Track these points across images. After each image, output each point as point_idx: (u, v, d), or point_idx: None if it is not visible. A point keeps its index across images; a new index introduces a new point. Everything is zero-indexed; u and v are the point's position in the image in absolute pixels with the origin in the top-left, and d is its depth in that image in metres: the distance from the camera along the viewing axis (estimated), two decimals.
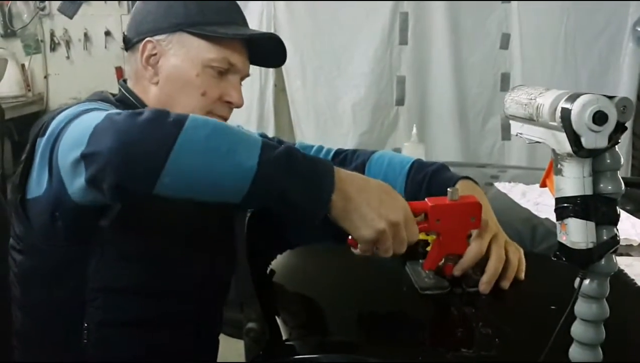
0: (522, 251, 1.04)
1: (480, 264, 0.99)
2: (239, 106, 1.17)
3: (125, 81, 1.19)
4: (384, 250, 0.87)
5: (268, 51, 1.20)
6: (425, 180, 1.21)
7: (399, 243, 0.87)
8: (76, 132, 0.85)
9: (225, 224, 1.22)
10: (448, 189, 0.95)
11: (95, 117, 0.82)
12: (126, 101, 1.13)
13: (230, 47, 1.13)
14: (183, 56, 1.11)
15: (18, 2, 3.62)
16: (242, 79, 1.18)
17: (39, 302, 1.04)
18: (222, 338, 1.51)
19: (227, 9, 1.16)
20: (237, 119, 3.20)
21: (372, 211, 0.84)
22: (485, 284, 0.98)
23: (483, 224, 0.97)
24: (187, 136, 0.76)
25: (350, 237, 0.89)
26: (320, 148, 1.39)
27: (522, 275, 1.02)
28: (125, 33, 1.18)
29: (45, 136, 0.94)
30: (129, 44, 1.16)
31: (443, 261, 0.99)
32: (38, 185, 0.96)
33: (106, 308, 1.02)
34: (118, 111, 0.83)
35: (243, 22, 1.18)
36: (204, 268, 1.13)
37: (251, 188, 0.79)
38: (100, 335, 1.02)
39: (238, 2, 1.21)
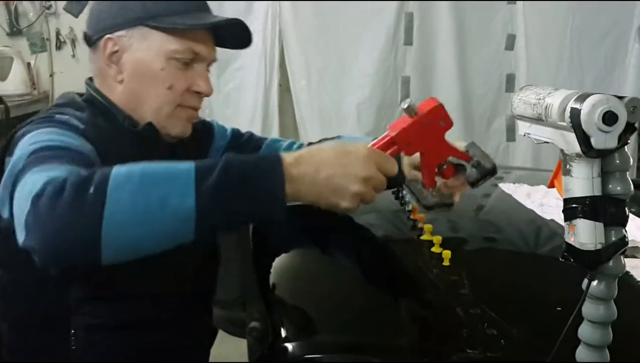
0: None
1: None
2: (208, 94, 1.14)
3: (91, 79, 1.16)
4: (368, 200, 0.85)
5: (233, 33, 1.16)
6: None
7: (380, 187, 0.85)
8: (16, 208, 0.81)
9: None
10: (402, 105, 0.90)
11: (27, 192, 0.78)
12: (94, 101, 1.10)
13: (193, 36, 1.09)
14: (145, 50, 1.08)
15: (24, 1, 3.63)
16: (209, 65, 1.15)
17: (23, 314, 1.03)
18: (225, 337, 1.51)
19: None
20: (242, 119, 3.23)
21: (340, 179, 0.81)
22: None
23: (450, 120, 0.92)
24: (112, 200, 0.73)
25: None
26: (292, 143, 1.39)
27: None
28: (85, 31, 1.14)
29: (10, 163, 0.91)
30: (89, 42, 1.13)
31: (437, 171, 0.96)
32: (3, 207, 0.92)
33: (93, 314, 1.01)
34: (45, 180, 0.78)
35: (203, 5, 1.14)
36: (186, 270, 1.11)
37: (198, 227, 0.76)
38: (88, 340, 1.01)
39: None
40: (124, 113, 1.09)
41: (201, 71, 1.12)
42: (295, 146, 1.38)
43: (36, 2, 3.62)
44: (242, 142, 1.38)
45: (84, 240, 0.73)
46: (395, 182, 1.14)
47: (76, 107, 1.07)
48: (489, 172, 0.96)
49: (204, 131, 1.32)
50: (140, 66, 1.08)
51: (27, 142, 0.91)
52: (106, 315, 1.02)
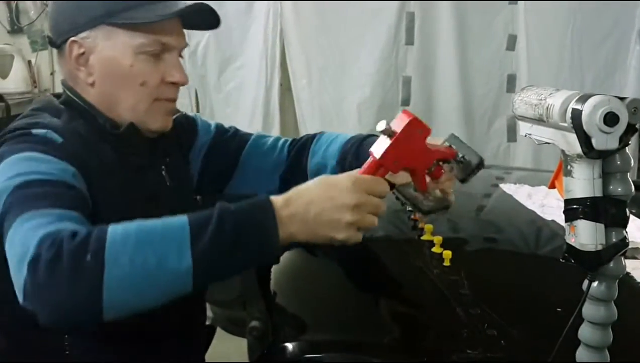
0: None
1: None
2: (183, 83, 1.10)
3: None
4: (367, 227, 0.85)
5: (201, 16, 1.11)
6: (354, 145, 1.20)
7: (376, 210, 0.86)
8: (12, 264, 0.80)
9: None
10: (378, 127, 0.90)
11: (22, 252, 0.78)
12: (72, 103, 1.07)
13: (158, 28, 1.05)
14: (111, 48, 1.04)
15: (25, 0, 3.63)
16: (180, 52, 1.11)
17: (17, 320, 0.98)
18: (226, 336, 1.51)
19: None
20: (243, 118, 3.23)
21: (332, 213, 0.83)
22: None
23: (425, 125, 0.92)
24: (110, 270, 0.74)
25: None
26: (277, 139, 1.36)
27: None
28: (49, 34, 1.11)
29: None
30: (54, 46, 1.09)
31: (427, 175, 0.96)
32: None
33: None
34: (39, 237, 0.78)
35: None
36: None
37: (195, 282, 0.78)
38: (84, 346, 1.00)
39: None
40: (104, 115, 1.07)
41: (173, 60, 1.09)
42: (280, 143, 1.36)
43: (37, 0, 3.63)
44: (227, 138, 1.36)
45: (85, 306, 0.76)
46: None
47: (53, 112, 1.05)
48: (475, 166, 0.96)
49: (187, 125, 1.30)
50: (109, 66, 1.05)
51: (8, 170, 0.90)
52: (99, 324, 1.01)
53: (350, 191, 0.84)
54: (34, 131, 0.97)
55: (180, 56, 1.12)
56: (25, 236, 0.80)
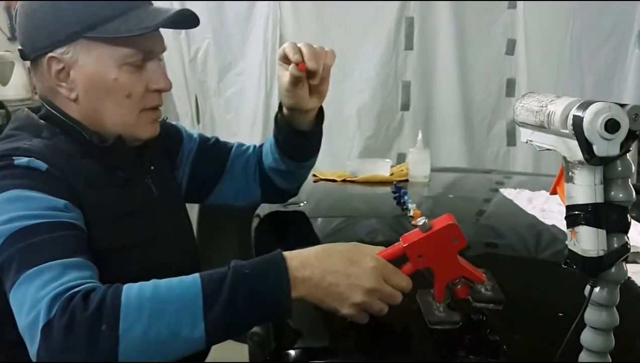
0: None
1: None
2: (167, 89, 1.09)
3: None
4: (377, 312, 0.87)
5: (183, 19, 1.09)
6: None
7: (389, 299, 0.87)
8: (22, 325, 0.81)
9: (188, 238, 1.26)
10: (418, 222, 0.91)
11: (32, 318, 0.78)
12: (53, 118, 1.05)
13: (138, 38, 1.03)
14: (94, 63, 1.02)
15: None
16: (160, 55, 1.11)
17: (18, 340, 1.00)
18: (227, 342, 1.51)
19: None
20: (243, 123, 3.23)
21: (343, 289, 0.84)
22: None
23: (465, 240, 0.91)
24: (125, 342, 0.76)
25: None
26: (254, 147, 1.41)
27: None
28: (20, 47, 1.08)
29: None
30: (26, 59, 1.07)
31: (450, 286, 0.95)
32: None
33: None
34: (49, 298, 0.78)
35: (139, 2, 1.06)
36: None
37: (208, 345, 0.80)
38: None
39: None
40: (89, 129, 1.05)
41: (155, 67, 1.08)
42: (256, 149, 1.40)
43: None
44: (209, 146, 1.37)
45: None
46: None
47: (33, 130, 1.03)
48: (497, 300, 0.95)
49: (173, 133, 1.31)
50: (92, 81, 1.03)
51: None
52: None
53: (369, 274, 0.85)
54: (16, 161, 0.94)
55: (160, 58, 1.10)
56: (34, 298, 0.80)
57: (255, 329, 1.04)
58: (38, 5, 1.04)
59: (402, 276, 0.89)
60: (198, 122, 3.31)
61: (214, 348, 1.32)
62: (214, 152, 1.38)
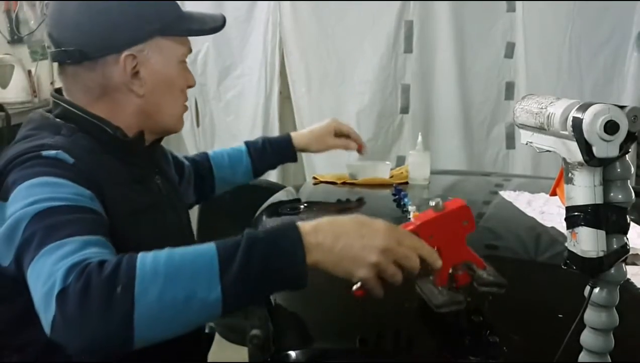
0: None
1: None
2: (193, 85, 1.20)
3: (58, 91, 1.13)
4: (391, 277, 0.86)
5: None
6: (267, 144, 1.57)
7: (404, 260, 0.86)
8: (37, 297, 0.80)
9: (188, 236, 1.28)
10: (430, 202, 0.93)
11: (47, 289, 0.77)
12: (70, 116, 1.07)
13: (188, 38, 1.16)
14: (163, 60, 1.10)
15: (25, 8, 3.63)
16: None
17: (32, 341, 1.00)
18: (226, 345, 1.51)
19: (173, 1, 1.15)
20: (242, 126, 3.24)
21: (357, 250, 0.83)
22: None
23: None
24: (141, 305, 0.75)
25: (353, 289, 0.89)
26: (231, 151, 1.59)
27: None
28: (80, 47, 1.06)
29: (9, 214, 0.89)
30: (85, 59, 1.06)
31: (451, 271, 0.97)
32: (2, 257, 0.92)
33: None
34: (66, 268, 0.78)
35: (181, 5, 1.16)
36: None
37: (224, 311, 0.79)
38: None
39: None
40: (112, 125, 1.08)
41: (186, 65, 1.18)
42: (194, 163, 1.51)
43: (37, 8, 3.63)
44: (198, 163, 1.52)
45: (117, 340, 0.76)
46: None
47: (52, 129, 1.04)
48: (499, 284, 0.96)
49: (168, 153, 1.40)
50: (160, 77, 1.10)
51: (24, 197, 0.89)
52: None
53: (382, 233, 0.85)
54: (44, 153, 0.96)
55: None
56: (51, 269, 0.79)
57: (255, 332, 1.04)
58: (114, 5, 1.07)
59: (415, 238, 0.88)
60: (197, 125, 3.32)
61: (214, 351, 1.33)
62: (202, 168, 1.54)
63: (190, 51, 1.16)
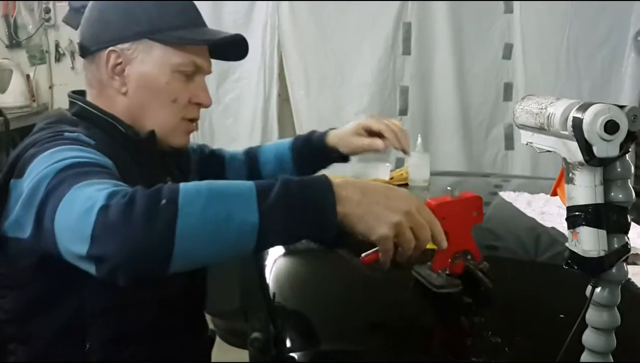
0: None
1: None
2: (208, 105, 1.17)
3: (77, 92, 1.16)
4: (406, 243, 0.86)
5: (230, 49, 1.19)
6: (306, 142, 1.41)
7: (419, 230, 0.86)
8: (72, 221, 0.80)
9: None
10: (448, 187, 0.98)
11: (88, 206, 0.77)
12: (86, 114, 1.10)
13: (195, 50, 1.12)
14: (151, 63, 1.09)
15: (23, 13, 3.64)
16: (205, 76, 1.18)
17: (40, 331, 1.02)
18: (227, 348, 1.51)
19: (186, 10, 1.14)
20: (241, 129, 3.24)
21: (383, 208, 0.84)
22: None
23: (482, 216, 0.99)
24: (184, 216, 0.76)
25: (363, 256, 0.90)
26: (237, 153, 1.48)
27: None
28: (81, 41, 1.13)
29: (25, 184, 0.90)
30: (86, 52, 1.12)
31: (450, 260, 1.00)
32: (19, 228, 0.92)
33: (107, 326, 1.02)
34: (106, 193, 0.78)
35: (202, 21, 1.17)
36: (186, 277, 1.13)
37: (259, 240, 0.79)
38: (103, 352, 1.02)
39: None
40: (125, 123, 1.10)
41: (201, 83, 1.15)
42: (246, 159, 1.46)
43: (35, 12, 3.63)
44: (207, 156, 1.45)
45: (158, 251, 0.75)
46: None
47: (69, 123, 1.06)
48: (490, 278, 1.02)
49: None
50: (145, 80, 1.09)
51: (47, 160, 0.90)
52: (119, 326, 1.03)
53: (405, 199, 0.87)
54: (66, 134, 0.99)
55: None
56: (91, 193, 0.80)
57: (256, 335, 1.04)
58: (112, 4, 1.11)
59: (431, 214, 0.89)
60: (197, 128, 3.32)
61: (215, 354, 1.33)
62: (212, 162, 1.44)
63: (195, 66, 1.12)
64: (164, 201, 0.76)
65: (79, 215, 0.78)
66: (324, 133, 1.43)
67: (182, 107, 1.13)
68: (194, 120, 1.17)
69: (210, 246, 0.78)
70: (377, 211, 0.84)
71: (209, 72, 1.17)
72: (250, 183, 0.81)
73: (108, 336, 1.02)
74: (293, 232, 0.82)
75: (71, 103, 1.13)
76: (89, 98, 1.13)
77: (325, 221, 0.82)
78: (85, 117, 1.10)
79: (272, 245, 0.85)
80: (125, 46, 1.08)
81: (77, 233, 0.78)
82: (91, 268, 0.78)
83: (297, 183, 0.82)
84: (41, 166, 0.89)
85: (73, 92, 1.16)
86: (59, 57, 3.67)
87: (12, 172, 0.95)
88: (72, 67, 3.66)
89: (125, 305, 1.03)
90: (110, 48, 1.08)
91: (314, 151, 1.42)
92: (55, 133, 0.99)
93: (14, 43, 3.68)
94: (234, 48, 1.18)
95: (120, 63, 1.09)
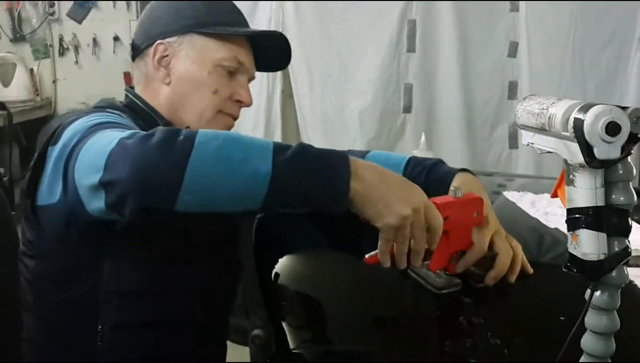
0: (520, 246, 1.06)
1: (482, 259, 1.00)
2: (248, 104, 1.20)
3: (132, 87, 1.21)
4: (400, 237, 0.86)
5: (272, 53, 1.24)
6: (423, 173, 1.22)
7: (419, 231, 0.86)
8: (91, 155, 0.85)
9: (230, 229, 1.24)
10: (451, 187, 0.98)
11: (108, 141, 0.82)
12: (134, 106, 1.15)
13: (238, 47, 1.16)
14: (195, 56, 1.14)
15: (27, 6, 3.64)
16: (249, 80, 1.21)
17: (54, 305, 1.05)
18: (228, 345, 1.51)
19: (231, 11, 1.20)
20: (245, 124, 3.23)
21: (395, 199, 0.84)
22: (492, 279, 1.00)
23: (484, 219, 0.99)
24: (199, 150, 0.77)
25: (367, 256, 0.90)
26: None
27: (529, 269, 1.04)
28: (134, 40, 1.20)
29: (58, 147, 0.95)
30: (137, 50, 1.18)
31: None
32: (50, 193, 0.97)
33: (120, 309, 1.03)
34: (129, 132, 0.83)
35: (245, 22, 1.22)
36: (210, 271, 1.14)
37: (269, 192, 0.79)
38: (114, 337, 1.03)
39: (247, 10, 1.24)
40: (165, 119, 1.14)
41: (243, 82, 1.19)
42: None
43: (39, 7, 3.64)
44: None
45: (167, 180, 0.77)
46: None
47: (116, 109, 1.11)
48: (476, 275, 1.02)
49: None
50: (188, 71, 1.14)
51: (82, 122, 0.95)
52: (132, 311, 1.04)
53: (419, 195, 0.87)
54: (108, 109, 1.08)
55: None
56: (110, 134, 0.85)
57: (257, 332, 1.04)
58: (163, 3, 1.19)
59: (438, 214, 0.89)
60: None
61: None
62: None
63: (238, 63, 1.16)
64: (181, 137, 0.79)
65: (97, 150, 0.83)
66: (454, 172, 1.21)
67: (222, 100, 1.16)
68: (233, 116, 1.20)
69: (220, 186, 0.79)
70: (389, 199, 0.84)
71: (252, 75, 1.21)
72: (268, 140, 0.84)
73: (120, 319, 1.03)
74: (304, 193, 0.81)
75: (125, 96, 1.19)
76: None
77: (338, 191, 0.82)
78: (132, 108, 1.14)
79: (282, 205, 0.84)
80: (172, 39, 1.14)
81: (93, 164, 0.82)
82: (101, 200, 0.81)
83: (317, 149, 0.84)
84: (73, 129, 0.94)
85: (130, 87, 1.22)
86: (62, 51, 3.68)
87: (52, 140, 0.99)
88: (76, 62, 3.67)
89: (140, 291, 1.04)
90: (159, 41, 1.14)
91: (430, 182, 1.20)
92: (96, 110, 1.05)
93: (17, 37, 3.69)
94: (275, 54, 1.24)
95: (166, 55, 1.14)
